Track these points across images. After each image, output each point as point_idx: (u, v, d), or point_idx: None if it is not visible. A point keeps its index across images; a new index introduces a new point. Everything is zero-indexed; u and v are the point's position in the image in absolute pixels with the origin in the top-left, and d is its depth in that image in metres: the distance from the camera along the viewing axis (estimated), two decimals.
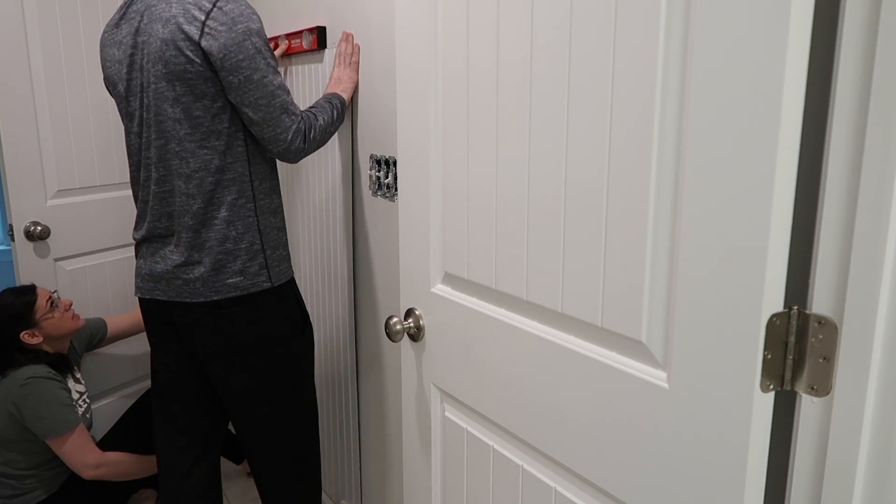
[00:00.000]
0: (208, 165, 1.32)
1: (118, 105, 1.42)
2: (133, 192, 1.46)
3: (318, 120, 1.41)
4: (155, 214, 1.38)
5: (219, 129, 1.31)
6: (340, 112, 1.50)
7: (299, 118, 1.36)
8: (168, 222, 1.38)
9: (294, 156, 1.38)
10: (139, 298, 1.47)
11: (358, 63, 1.56)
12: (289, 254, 1.48)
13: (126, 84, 1.36)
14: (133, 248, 2.29)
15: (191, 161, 1.31)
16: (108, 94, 1.52)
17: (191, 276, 1.36)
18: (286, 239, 1.48)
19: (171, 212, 1.37)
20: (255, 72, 1.27)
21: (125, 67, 1.35)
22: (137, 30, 1.32)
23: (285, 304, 1.45)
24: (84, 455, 1.80)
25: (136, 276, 1.45)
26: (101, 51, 1.43)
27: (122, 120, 1.42)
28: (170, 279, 1.38)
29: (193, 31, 1.24)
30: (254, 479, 1.60)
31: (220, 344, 1.40)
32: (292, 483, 1.55)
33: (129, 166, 1.44)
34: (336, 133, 1.68)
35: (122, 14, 1.37)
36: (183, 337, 1.44)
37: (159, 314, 1.45)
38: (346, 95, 1.54)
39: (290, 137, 1.34)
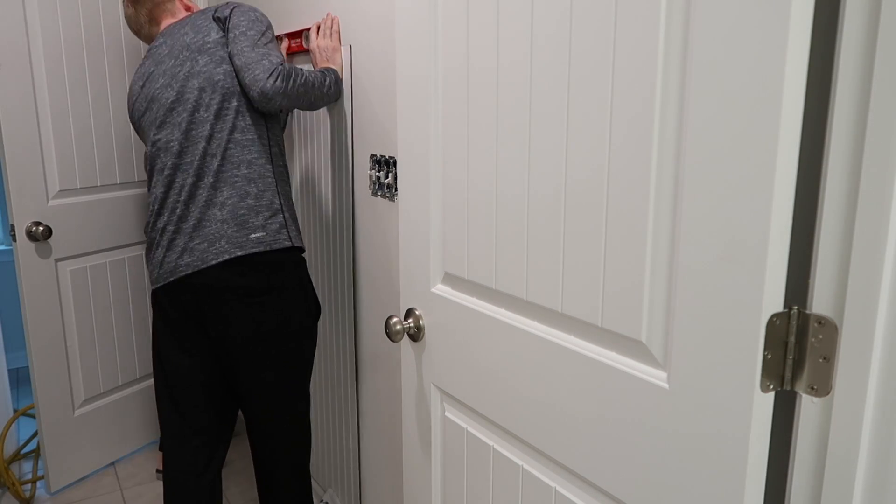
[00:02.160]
0: (226, 125, 1.40)
1: (142, 125, 1.52)
2: (149, 183, 1.52)
3: (303, 72, 1.46)
4: (176, 189, 1.42)
5: (238, 90, 1.42)
6: (334, 81, 1.55)
7: (281, 65, 1.41)
8: (187, 195, 1.41)
9: (273, 95, 1.38)
10: (156, 292, 1.48)
11: (339, 33, 1.62)
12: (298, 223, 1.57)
13: (146, 95, 1.48)
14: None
15: (214, 122, 1.39)
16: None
17: (215, 233, 1.39)
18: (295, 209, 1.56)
19: (190, 183, 1.41)
20: (250, 30, 1.42)
21: (143, 80, 1.50)
22: (158, 53, 1.49)
23: (303, 274, 1.51)
24: None
25: (156, 268, 1.46)
26: (129, 99, 1.58)
27: (145, 134, 1.52)
28: (194, 247, 1.40)
29: (209, 15, 1.46)
30: (254, 461, 1.63)
31: (251, 330, 1.44)
32: (295, 462, 1.62)
33: (146, 161, 1.52)
34: (336, 131, 1.68)
35: (144, 57, 1.54)
36: (210, 327, 1.45)
37: (183, 306, 1.45)
38: (337, 68, 1.60)
39: (266, 76, 1.37)
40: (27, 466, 2.38)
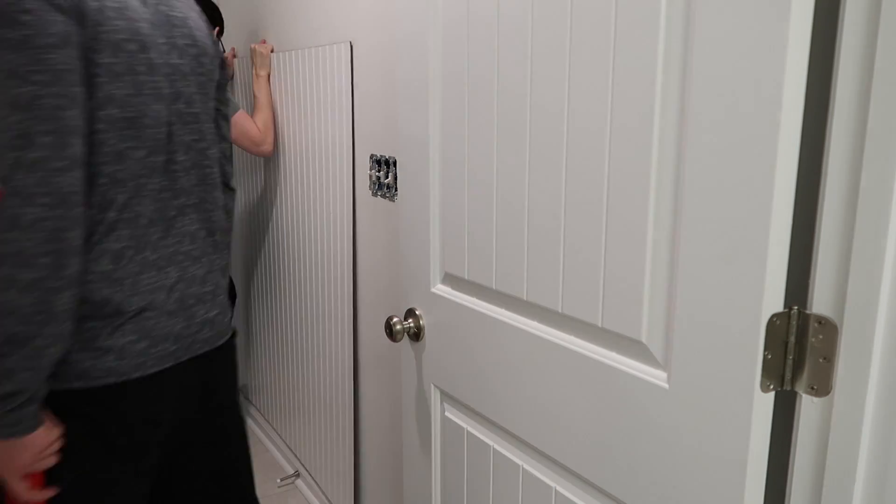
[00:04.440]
0: (220, 180, 1.14)
1: (135, 55, 0.91)
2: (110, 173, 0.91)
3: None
4: (178, 235, 1.02)
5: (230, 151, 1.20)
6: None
7: None
8: (200, 251, 1.06)
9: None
10: (149, 379, 0.97)
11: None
12: None
13: (157, 51, 0.95)
14: None
15: (227, 169, 1.16)
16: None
17: (224, 303, 1.13)
18: None
19: (202, 236, 1.06)
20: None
21: (162, 37, 0.97)
22: (167, 13, 1.00)
23: None
24: None
25: (164, 340, 0.99)
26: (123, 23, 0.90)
27: (139, 77, 0.91)
28: (214, 318, 1.09)
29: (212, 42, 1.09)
30: None
31: (235, 382, 1.20)
32: None
33: (137, 148, 0.93)
34: (336, 131, 1.68)
35: None
36: (211, 399, 1.13)
37: (181, 402, 1.05)
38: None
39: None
40: None
